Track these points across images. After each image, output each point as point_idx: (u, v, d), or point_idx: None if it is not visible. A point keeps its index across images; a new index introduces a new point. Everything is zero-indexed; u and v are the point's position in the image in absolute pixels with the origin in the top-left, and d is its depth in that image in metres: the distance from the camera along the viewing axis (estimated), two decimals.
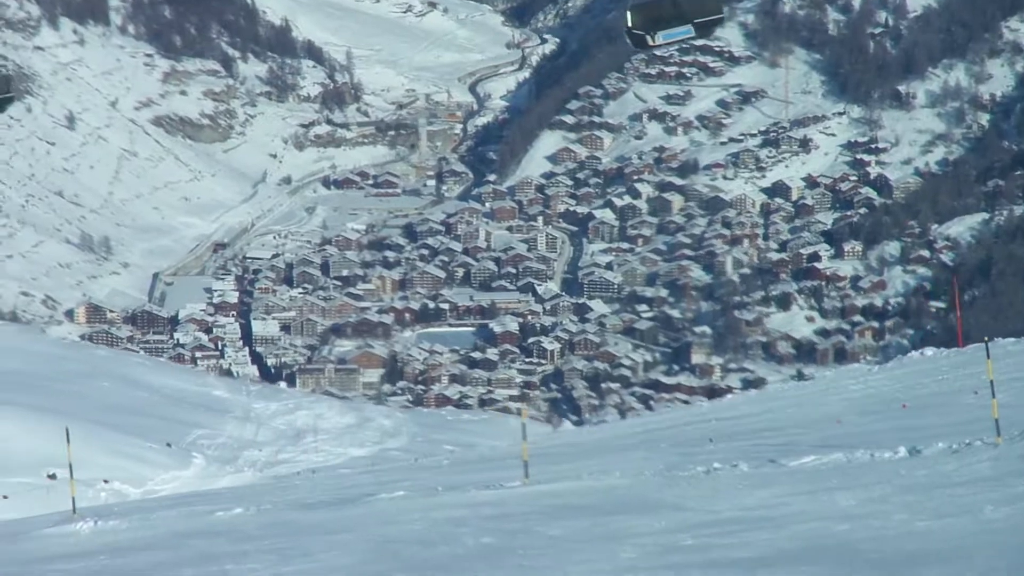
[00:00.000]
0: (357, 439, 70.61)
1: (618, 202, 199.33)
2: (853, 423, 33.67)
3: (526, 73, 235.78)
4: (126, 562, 25.22)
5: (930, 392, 38.39)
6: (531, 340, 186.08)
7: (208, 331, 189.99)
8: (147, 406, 78.58)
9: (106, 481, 54.59)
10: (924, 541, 17.38)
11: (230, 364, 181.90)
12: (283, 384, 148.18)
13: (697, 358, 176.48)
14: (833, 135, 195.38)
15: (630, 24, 23.23)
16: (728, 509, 22.08)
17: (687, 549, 18.72)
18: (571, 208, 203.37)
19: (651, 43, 23.32)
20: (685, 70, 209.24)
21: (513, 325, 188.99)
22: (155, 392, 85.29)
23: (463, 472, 38.38)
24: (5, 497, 54.27)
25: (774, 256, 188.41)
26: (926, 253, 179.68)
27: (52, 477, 56.32)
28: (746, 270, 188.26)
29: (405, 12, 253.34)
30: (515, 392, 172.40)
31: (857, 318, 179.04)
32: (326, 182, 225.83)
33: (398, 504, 29.53)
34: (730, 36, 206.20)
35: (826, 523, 19.33)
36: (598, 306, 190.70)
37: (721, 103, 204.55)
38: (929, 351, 49.83)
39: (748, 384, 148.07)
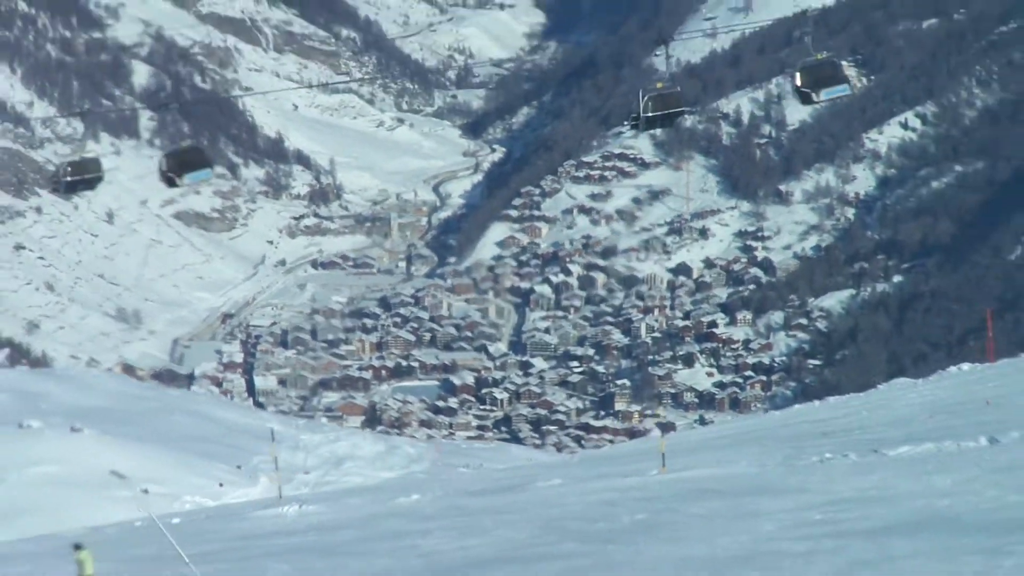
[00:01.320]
0: (387, 464, 68.42)
1: (554, 279, 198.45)
2: (929, 421, 32.71)
3: (479, 176, 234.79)
4: (331, 538, 27.08)
5: (986, 396, 36.08)
6: (484, 391, 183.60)
7: (219, 385, 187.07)
8: (216, 435, 76.65)
9: (146, 491, 52.32)
10: (1016, 511, 17.89)
11: None
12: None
13: (619, 405, 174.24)
14: (727, 225, 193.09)
15: (799, 83, 24.53)
16: (845, 490, 22.68)
17: (817, 523, 19.41)
18: (516, 284, 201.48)
19: (815, 99, 24.70)
20: (606, 173, 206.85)
21: (470, 379, 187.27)
22: (220, 424, 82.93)
23: (596, 467, 38.05)
24: (146, 491, 54.51)
25: (679, 323, 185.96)
26: (804, 321, 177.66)
27: (145, 492, 53.72)
28: (657, 334, 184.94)
29: (378, 126, 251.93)
30: (472, 434, 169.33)
31: (748, 373, 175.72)
32: (314, 264, 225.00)
33: (556, 490, 30.26)
34: (642, 146, 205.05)
35: (929, 500, 19.80)
36: (539, 362, 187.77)
37: (635, 200, 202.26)
38: (965, 366, 47.73)
39: (662, 427, 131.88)
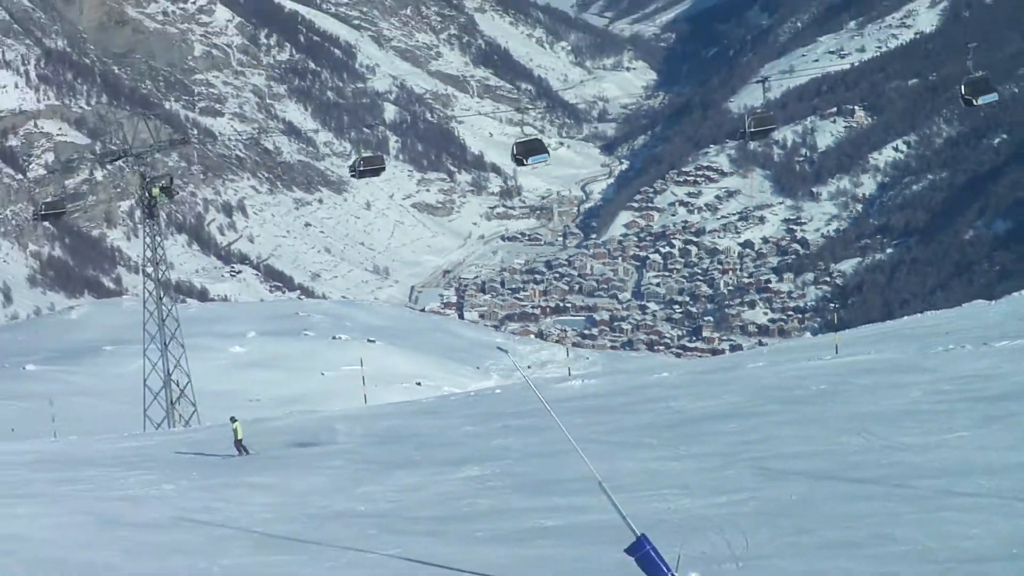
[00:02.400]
0: (576, 365, 66.89)
1: (662, 250, 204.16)
2: (1015, 324, 32.77)
3: (612, 180, 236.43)
4: (608, 402, 27.78)
5: None
6: (615, 323, 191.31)
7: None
8: (461, 347, 79.45)
9: (419, 384, 54.55)
10: None
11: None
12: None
13: (705, 333, 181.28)
14: (776, 215, 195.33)
15: (963, 92, 28.11)
16: (967, 370, 23.57)
17: (949, 391, 20.80)
18: (636, 252, 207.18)
19: (975, 103, 28.08)
20: (698, 179, 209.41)
21: (606, 316, 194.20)
22: (463, 339, 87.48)
23: (786, 354, 37.29)
24: (419, 384, 55.30)
25: (745, 280, 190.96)
26: (827, 279, 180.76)
27: (418, 384, 55.96)
28: (730, 287, 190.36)
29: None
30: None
31: (790, 313, 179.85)
32: (502, 238, 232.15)
33: (760, 370, 30.53)
34: (721, 161, 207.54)
35: None
36: (651, 305, 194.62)
37: (716, 197, 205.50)
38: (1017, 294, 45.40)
39: (733, 348, 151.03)
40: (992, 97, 28.15)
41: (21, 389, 51.87)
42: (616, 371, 53.92)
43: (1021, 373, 21.93)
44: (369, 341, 69.32)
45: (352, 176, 40.99)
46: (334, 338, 70.85)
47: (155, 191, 46.25)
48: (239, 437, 26.33)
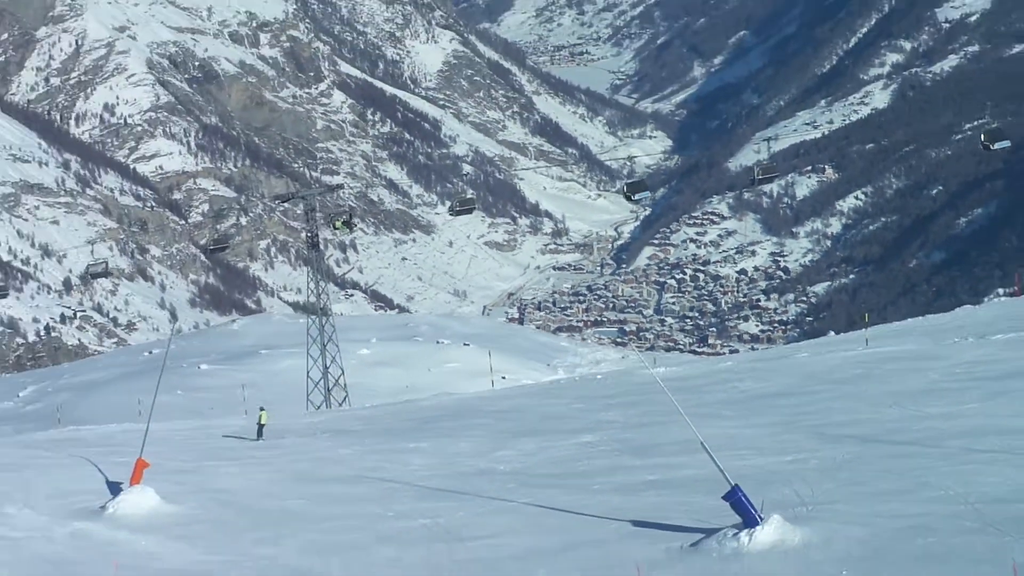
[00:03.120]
0: (623, 364, 64.62)
1: (677, 276, 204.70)
2: (1005, 322, 31.38)
3: (639, 222, 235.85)
4: (686, 383, 27.82)
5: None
6: (641, 333, 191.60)
7: None
8: (534, 348, 78.05)
9: (504, 377, 50.68)
10: None
11: None
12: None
13: (711, 341, 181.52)
14: (765, 249, 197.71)
15: (983, 139, 27.38)
16: (972, 357, 23.76)
17: (960, 374, 21.47)
18: (656, 279, 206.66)
19: (992, 148, 27.20)
20: (703, 221, 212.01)
21: (633, 327, 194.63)
22: (536, 342, 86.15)
23: (824, 346, 35.32)
24: (504, 378, 51.05)
25: (741, 300, 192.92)
26: (804, 298, 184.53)
27: (503, 378, 51.31)
28: (729, 305, 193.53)
29: (587, 198, 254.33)
30: None
31: (775, 325, 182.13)
32: (554, 268, 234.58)
33: (806, 359, 29.86)
34: (722, 208, 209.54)
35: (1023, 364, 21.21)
36: (668, 319, 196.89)
37: (719, 235, 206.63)
38: (1000, 298, 37.40)
39: (732, 351, 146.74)
40: (1006, 143, 27.59)
41: (199, 383, 52.45)
42: (682, 363, 52.02)
43: (1017, 359, 22.23)
44: (464, 344, 68.26)
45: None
46: (438, 342, 69.56)
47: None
48: (263, 423, 26.21)
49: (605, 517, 13.16)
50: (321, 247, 50.11)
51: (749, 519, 11.03)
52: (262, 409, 26.60)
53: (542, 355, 68.99)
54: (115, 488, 16.46)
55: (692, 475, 14.47)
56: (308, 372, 44.64)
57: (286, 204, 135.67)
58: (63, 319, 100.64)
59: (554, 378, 48.21)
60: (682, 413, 12.32)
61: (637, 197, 32.81)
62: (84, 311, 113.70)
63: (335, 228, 48.33)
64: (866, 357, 27.12)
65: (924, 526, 10.79)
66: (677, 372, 32.89)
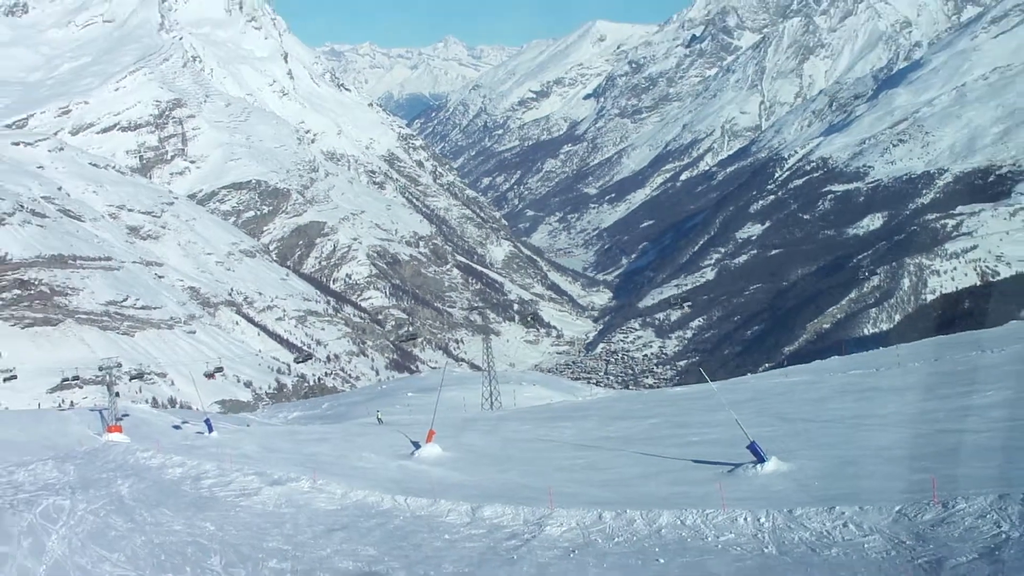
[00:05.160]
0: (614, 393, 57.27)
1: (616, 357, 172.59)
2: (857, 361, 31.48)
3: (596, 332, 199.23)
4: (668, 397, 27.99)
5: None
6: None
7: None
8: (562, 386, 65.76)
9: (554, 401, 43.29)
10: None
11: None
12: None
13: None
14: (655, 345, 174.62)
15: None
16: (842, 381, 24.04)
17: (844, 390, 21.55)
18: (605, 358, 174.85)
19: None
20: (628, 330, 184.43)
21: None
22: (561, 383, 69.50)
23: (825, 371, 31.25)
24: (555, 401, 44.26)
25: (645, 367, 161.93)
26: (673, 368, 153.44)
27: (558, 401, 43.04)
28: (640, 369, 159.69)
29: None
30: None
31: (662, 381, 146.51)
32: (557, 353, 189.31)
33: (810, 381, 26.97)
34: (635, 324, 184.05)
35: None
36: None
37: (634, 337, 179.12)
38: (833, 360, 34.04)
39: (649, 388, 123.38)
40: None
41: (411, 402, 49.46)
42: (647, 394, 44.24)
43: (863, 382, 22.97)
44: (533, 384, 60.66)
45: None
46: (521, 384, 60.68)
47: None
48: (380, 419, 28.92)
49: (677, 458, 15.15)
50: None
51: (760, 458, 12.96)
52: (378, 411, 30.92)
53: (568, 389, 63.23)
54: (417, 445, 19.95)
55: (717, 437, 16.56)
56: (483, 392, 46.37)
57: (411, 340, 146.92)
58: (325, 374, 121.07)
59: (604, 396, 47.10)
60: (716, 390, 17.34)
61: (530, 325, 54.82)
62: (335, 371, 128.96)
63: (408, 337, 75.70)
64: (777, 384, 27.38)
65: (853, 460, 12.49)
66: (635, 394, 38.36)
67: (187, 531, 12.17)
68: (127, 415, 30.62)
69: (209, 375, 37.03)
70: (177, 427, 30.13)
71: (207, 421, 27.42)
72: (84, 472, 17.14)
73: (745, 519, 9.97)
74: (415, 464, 17.83)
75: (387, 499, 13.52)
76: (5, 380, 33.51)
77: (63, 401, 74.12)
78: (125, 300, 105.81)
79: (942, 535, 8.17)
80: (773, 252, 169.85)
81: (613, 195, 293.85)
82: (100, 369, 30.04)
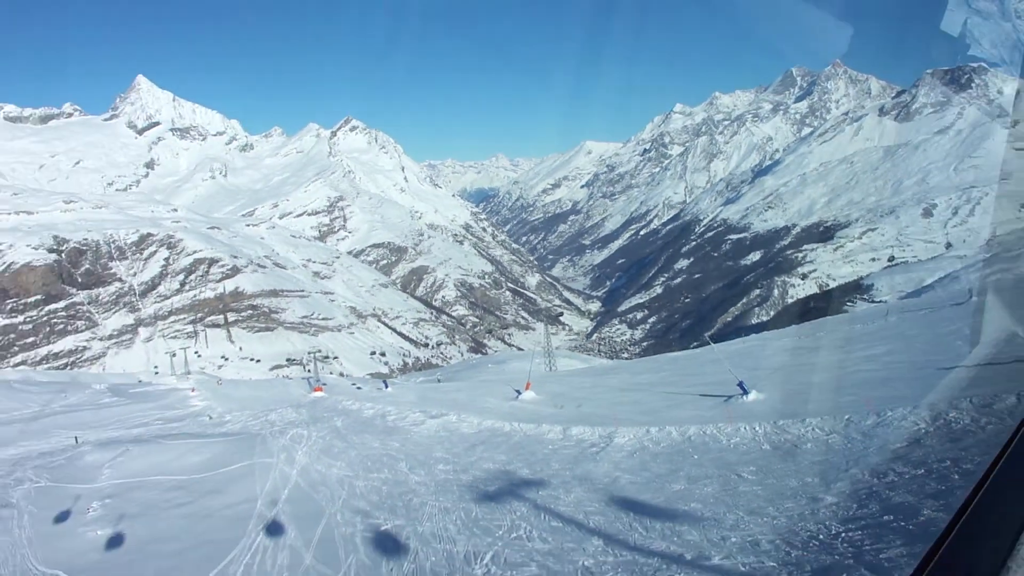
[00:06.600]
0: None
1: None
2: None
3: (594, 325, 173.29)
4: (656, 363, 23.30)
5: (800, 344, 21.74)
6: None
7: None
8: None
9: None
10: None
11: None
12: None
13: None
14: (625, 335, 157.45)
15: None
16: (784, 345, 20.43)
17: (788, 350, 18.35)
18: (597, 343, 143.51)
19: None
20: (616, 323, 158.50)
21: None
22: (580, 356, 61.14)
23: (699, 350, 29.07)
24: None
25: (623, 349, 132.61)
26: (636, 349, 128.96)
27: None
28: (617, 348, 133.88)
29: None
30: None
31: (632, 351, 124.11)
32: (568, 339, 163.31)
33: (761, 344, 23.45)
34: (615, 322, 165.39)
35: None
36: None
37: (616, 331, 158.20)
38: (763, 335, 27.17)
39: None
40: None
41: (495, 369, 43.99)
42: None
43: (805, 346, 19.40)
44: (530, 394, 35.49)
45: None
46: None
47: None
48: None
49: (689, 394, 14.00)
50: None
51: (745, 391, 12.37)
52: (439, 379, 26.59)
53: (584, 360, 54.96)
54: (518, 392, 18.85)
55: (712, 380, 15.33)
56: (541, 362, 41.24)
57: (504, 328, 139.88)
58: (431, 357, 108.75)
59: (622, 362, 39.56)
60: (718, 351, 14.14)
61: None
62: (437, 355, 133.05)
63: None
64: (739, 348, 22.70)
65: (802, 392, 11.50)
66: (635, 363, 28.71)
67: (382, 448, 12.34)
68: (324, 383, 31.38)
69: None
70: (357, 387, 30.35)
71: (384, 382, 27.98)
72: (311, 413, 17.75)
73: (745, 428, 9.65)
74: (520, 404, 17.44)
75: (507, 425, 13.35)
76: (218, 384, 34.98)
77: (281, 375, 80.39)
78: (312, 315, 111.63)
79: (881, 433, 7.77)
80: (696, 276, 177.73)
81: (600, 244, 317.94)
82: (308, 353, 31.61)
